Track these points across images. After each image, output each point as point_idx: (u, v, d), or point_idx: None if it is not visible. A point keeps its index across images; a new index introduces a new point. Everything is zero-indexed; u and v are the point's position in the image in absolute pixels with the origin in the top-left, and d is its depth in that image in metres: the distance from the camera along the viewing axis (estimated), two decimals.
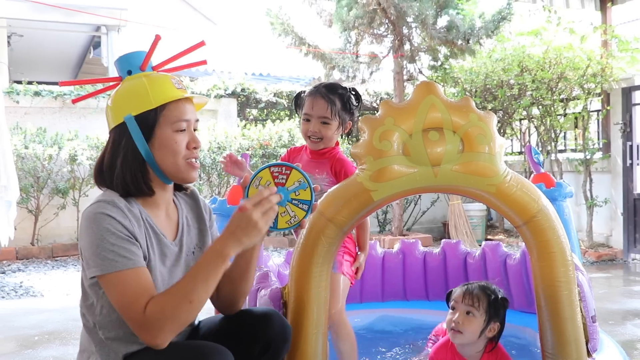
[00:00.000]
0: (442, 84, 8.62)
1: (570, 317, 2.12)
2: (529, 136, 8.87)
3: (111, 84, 1.85)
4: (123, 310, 1.59)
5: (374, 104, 9.81)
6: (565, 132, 8.31)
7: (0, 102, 5.91)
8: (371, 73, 8.27)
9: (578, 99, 7.80)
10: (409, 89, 8.29)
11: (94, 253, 1.60)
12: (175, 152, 1.74)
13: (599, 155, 7.56)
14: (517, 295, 3.64)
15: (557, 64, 7.69)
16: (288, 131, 8.43)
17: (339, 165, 2.61)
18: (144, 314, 1.55)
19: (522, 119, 8.69)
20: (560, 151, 8.28)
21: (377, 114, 2.14)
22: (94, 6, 9.44)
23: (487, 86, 8.34)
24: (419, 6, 7.45)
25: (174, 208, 1.87)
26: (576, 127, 7.90)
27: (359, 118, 2.24)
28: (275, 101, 9.61)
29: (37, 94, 8.04)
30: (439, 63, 8.41)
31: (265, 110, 9.83)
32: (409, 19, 7.80)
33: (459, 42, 7.78)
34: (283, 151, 7.91)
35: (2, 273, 6.43)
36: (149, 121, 1.72)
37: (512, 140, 9.15)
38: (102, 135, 7.63)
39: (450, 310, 2.40)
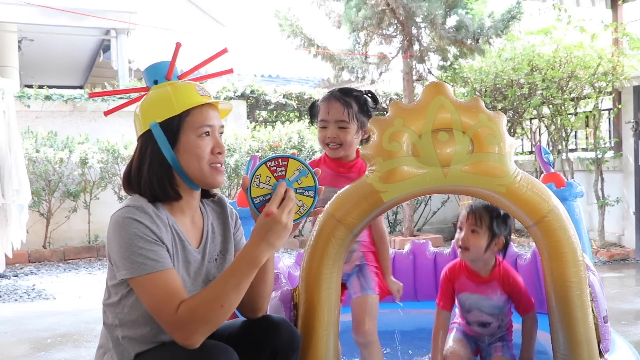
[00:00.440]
0: (451, 84, 8.58)
1: (582, 317, 2.12)
2: (540, 135, 8.80)
3: (139, 94, 1.90)
4: (155, 312, 1.63)
5: (384, 105, 9.79)
6: (576, 131, 8.24)
7: (11, 106, 5.97)
8: (380, 74, 8.24)
9: (589, 98, 7.73)
10: (419, 89, 8.26)
11: (123, 257, 1.64)
12: (200, 157, 1.77)
13: (610, 154, 7.49)
14: None
15: (568, 63, 7.63)
16: (298, 132, 8.43)
17: None
18: (175, 315, 1.60)
19: (533, 118, 8.63)
20: (571, 150, 8.21)
21: (386, 115, 2.14)
22: (103, 10, 9.48)
23: (497, 86, 8.30)
24: (427, 6, 7.42)
25: (199, 215, 1.90)
26: (587, 126, 7.84)
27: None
28: (284, 103, 9.61)
29: (47, 97, 8.06)
30: (449, 63, 8.37)
31: (274, 112, 9.83)
32: (418, 19, 7.76)
33: (469, 41, 7.73)
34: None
35: (15, 276, 6.49)
36: (173, 127, 1.76)
37: (522, 139, 9.08)
38: (112, 138, 7.67)
39: (458, 230, 2.59)
